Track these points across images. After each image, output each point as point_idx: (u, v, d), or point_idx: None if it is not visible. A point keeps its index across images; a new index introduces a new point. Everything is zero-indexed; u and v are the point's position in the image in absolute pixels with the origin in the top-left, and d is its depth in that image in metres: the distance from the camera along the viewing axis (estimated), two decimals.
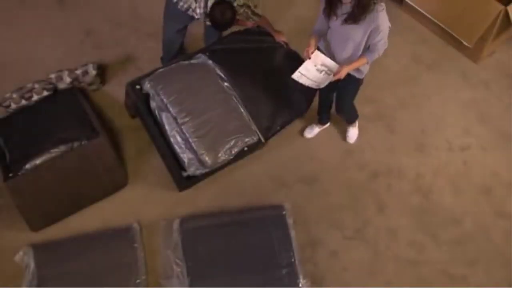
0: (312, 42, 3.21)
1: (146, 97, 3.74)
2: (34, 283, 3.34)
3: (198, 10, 3.47)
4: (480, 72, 4.33)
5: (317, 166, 3.88)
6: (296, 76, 3.29)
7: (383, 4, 2.95)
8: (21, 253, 3.43)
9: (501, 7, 3.89)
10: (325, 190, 3.79)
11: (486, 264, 3.53)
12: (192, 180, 3.63)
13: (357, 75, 3.34)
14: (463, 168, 3.89)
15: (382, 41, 3.07)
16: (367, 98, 4.05)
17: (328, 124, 4.01)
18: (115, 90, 4.14)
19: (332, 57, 3.26)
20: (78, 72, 4.00)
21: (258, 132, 3.72)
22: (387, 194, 3.78)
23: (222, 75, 3.84)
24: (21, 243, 3.48)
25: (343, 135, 3.99)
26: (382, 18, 2.96)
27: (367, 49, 3.15)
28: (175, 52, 4.01)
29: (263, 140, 3.73)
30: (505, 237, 3.61)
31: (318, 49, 3.30)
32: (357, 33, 3.04)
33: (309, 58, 3.22)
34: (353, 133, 3.94)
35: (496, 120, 4.09)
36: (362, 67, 3.28)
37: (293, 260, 3.43)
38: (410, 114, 4.12)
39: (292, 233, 3.53)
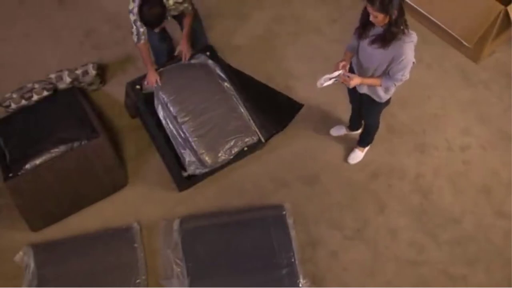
0: (346, 57, 3.21)
1: (146, 97, 3.74)
2: (34, 283, 3.34)
3: (134, 10, 3.44)
4: (480, 72, 4.33)
5: (317, 166, 3.88)
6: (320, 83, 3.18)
7: (413, 37, 2.93)
8: (21, 253, 3.44)
9: (501, 7, 3.88)
10: (325, 190, 3.79)
11: (486, 264, 3.53)
12: (192, 180, 3.63)
13: (376, 99, 3.32)
14: (463, 168, 3.89)
15: (400, 73, 3.02)
16: None
17: (357, 132, 3.94)
18: (115, 90, 4.14)
19: (359, 73, 3.24)
20: (78, 72, 4.01)
21: (258, 132, 3.72)
22: (387, 194, 3.78)
23: (222, 75, 3.84)
24: (21, 243, 3.49)
25: (344, 135, 3.99)
26: (406, 50, 2.92)
27: (387, 74, 3.11)
28: (165, 58, 4.01)
29: (263, 140, 3.73)
30: (505, 237, 3.61)
31: (350, 64, 3.28)
32: (379, 57, 3.03)
33: (339, 69, 3.13)
34: (357, 155, 3.89)
35: (496, 120, 4.09)
36: (381, 93, 3.25)
37: (293, 260, 3.43)
38: (410, 114, 4.12)
39: (292, 233, 3.53)
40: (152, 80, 3.70)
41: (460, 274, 3.49)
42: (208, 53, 3.91)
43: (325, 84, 3.14)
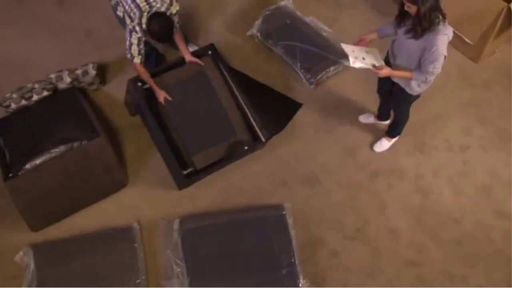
0: (370, 33, 3.27)
1: (147, 94, 3.74)
2: (34, 283, 3.34)
3: (137, 28, 3.45)
4: (480, 72, 4.32)
5: (317, 166, 3.88)
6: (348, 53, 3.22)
7: (448, 31, 2.96)
8: (21, 253, 3.44)
9: (504, 4, 3.87)
10: (325, 190, 3.79)
11: (486, 264, 3.53)
12: (192, 179, 3.64)
13: (407, 90, 3.32)
14: (463, 168, 3.89)
15: (431, 65, 3.02)
16: None
17: (386, 122, 3.95)
18: (115, 90, 4.14)
19: (392, 64, 3.26)
20: (78, 72, 4.01)
21: (258, 132, 3.72)
22: (387, 194, 3.78)
23: (225, 73, 3.83)
24: (21, 243, 3.49)
25: (344, 135, 3.99)
26: (438, 41, 2.94)
27: (419, 67, 3.13)
28: (153, 64, 4.01)
29: (263, 140, 3.73)
30: (505, 237, 3.61)
31: (387, 55, 3.33)
32: (410, 47, 3.06)
33: (357, 43, 3.23)
34: (384, 144, 3.89)
35: (496, 120, 4.09)
36: (414, 85, 3.25)
37: (293, 260, 3.43)
38: (410, 114, 4.11)
39: (292, 233, 3.53)
40: (161, 98, 3.70)
41: (460, 274, 3.49)
42: (210, 52, 3.90)
43: (357, 65, 3.14)
